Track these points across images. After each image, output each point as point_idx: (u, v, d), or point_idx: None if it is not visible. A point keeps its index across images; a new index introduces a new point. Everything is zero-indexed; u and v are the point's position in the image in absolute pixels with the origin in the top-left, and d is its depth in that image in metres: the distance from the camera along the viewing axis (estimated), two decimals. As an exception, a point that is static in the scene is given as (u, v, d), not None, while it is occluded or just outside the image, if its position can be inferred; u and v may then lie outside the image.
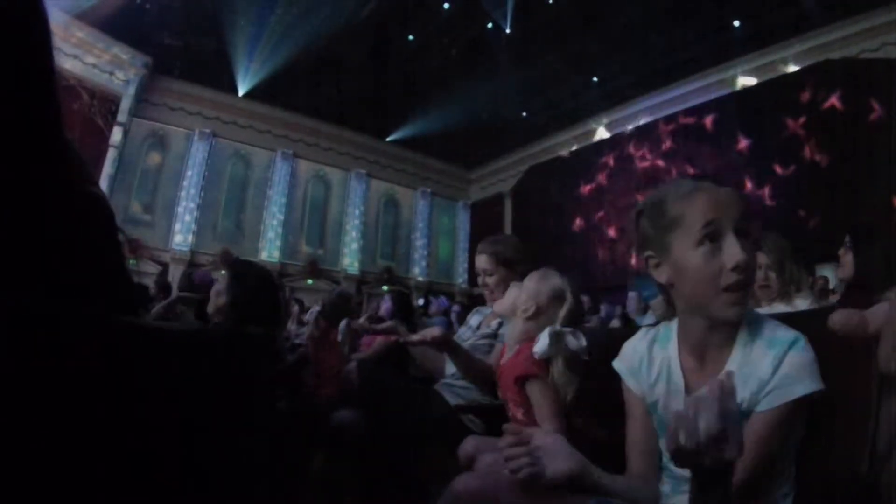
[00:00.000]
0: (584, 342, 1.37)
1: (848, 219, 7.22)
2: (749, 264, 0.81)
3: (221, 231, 11.92)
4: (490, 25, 10.68)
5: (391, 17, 10.45)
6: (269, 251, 12.26)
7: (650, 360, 0.95)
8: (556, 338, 1.37)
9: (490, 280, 2.04)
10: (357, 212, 13.68)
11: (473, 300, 11.69)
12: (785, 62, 9.18)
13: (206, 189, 11.75)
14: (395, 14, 10.42)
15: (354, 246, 13.46)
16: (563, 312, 1.45)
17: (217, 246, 11.61)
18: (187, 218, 11.44)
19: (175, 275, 11.14)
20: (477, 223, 15.48)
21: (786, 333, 0.85)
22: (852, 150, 7.73)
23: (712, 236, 0.82)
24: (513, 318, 1.55)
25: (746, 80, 9.78)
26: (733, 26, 9.39)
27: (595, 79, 11.72)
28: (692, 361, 0.90)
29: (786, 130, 8.81)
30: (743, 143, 9.42)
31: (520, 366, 1.42)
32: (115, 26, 9.86)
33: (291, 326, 5.31)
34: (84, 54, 10.03)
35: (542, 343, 1.37)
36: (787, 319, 0.88)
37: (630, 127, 11.80)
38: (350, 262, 13.31)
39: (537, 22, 10.15)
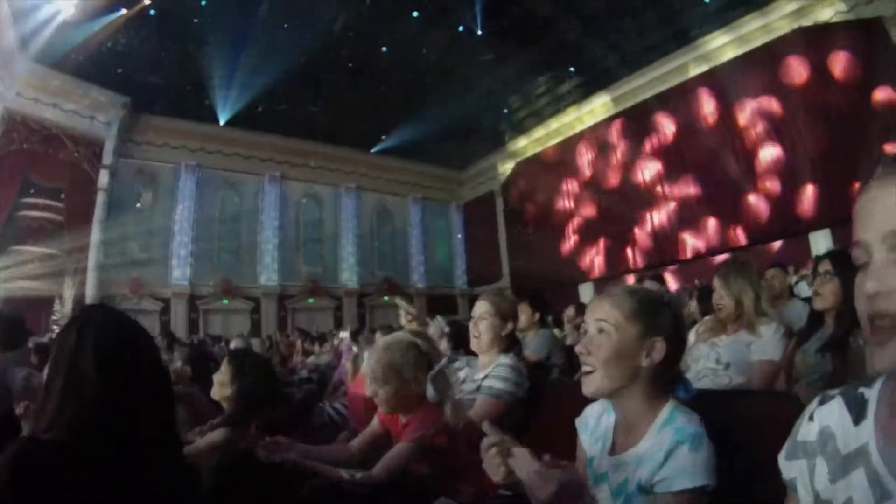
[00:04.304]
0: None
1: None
2: (583, 350, 1.00)
3: (218, 261, 11.99)
4: (461, 29, 10.68)
5: (363, 30, 10.45)
6: (267, 275, 12.33)
7: (597, 423, 1.10)
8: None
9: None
10: (351, 226, 13.78)
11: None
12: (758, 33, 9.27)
13: (199, 220, 11.83)
14: (367, 27, 10.42)
15: (352, 260, 13.56)
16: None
17: (216, 276, 11.69)
18: (182, 252, 11.51)
19: (177, 309, 11.23)
20: (471, 223, 15.59)
21: (690, 428, 0.93)
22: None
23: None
24: None
25: (726, 54, 9.87)
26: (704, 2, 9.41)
27: (572, 69, 11.76)
28: (622, 430, 1.04)
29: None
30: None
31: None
32: (91, 71, 9.91)
33: (296, 358, 5.38)
34: (63, 101, 10.11)
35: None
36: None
37: (610, 113, 11.90)
38: (349, 276, 13.42)
39: (509, 18, 10.14)
